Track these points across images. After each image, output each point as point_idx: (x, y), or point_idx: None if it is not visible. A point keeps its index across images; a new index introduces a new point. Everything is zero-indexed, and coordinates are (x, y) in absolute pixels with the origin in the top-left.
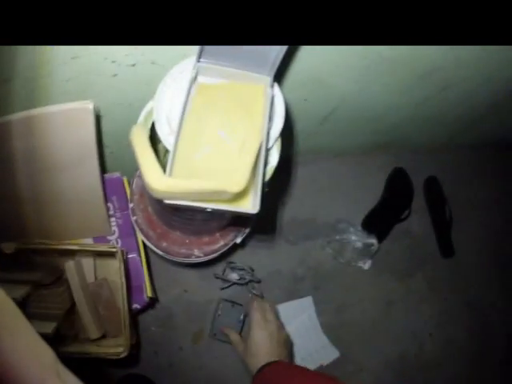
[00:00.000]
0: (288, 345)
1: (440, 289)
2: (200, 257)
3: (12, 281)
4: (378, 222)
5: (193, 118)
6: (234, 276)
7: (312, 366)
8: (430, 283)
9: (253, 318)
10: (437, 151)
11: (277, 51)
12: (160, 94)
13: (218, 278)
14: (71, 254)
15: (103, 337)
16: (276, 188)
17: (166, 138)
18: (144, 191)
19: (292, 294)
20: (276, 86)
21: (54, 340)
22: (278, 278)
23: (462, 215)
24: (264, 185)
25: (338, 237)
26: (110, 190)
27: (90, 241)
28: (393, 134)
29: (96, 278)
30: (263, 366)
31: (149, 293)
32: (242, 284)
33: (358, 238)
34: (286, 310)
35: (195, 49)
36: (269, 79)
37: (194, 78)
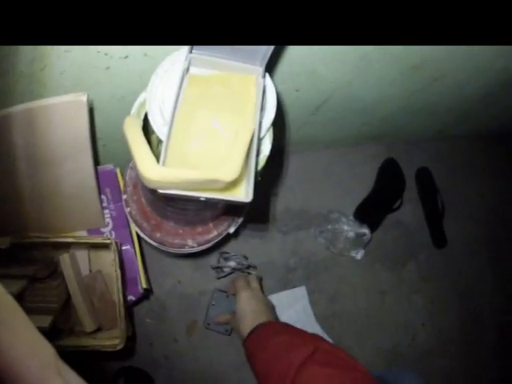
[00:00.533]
0: (271, 306)
1: (432, 279)
2: (194, 247)
3: (7, 275)
4: (370, 212)
5: (185, 108)
6: (231, 264)
7: None
8: (422, 273)
9: (237, 285)
10: (428, 142)
11: None
12: (152, 85)
13: (214, 268)
14: (66, 246)
15: (99, 329)
16: (268, 178)
17: (159, 128)
18: (137, 182)
19: (285, 284)
20: (268, 76)
21: (50, 334)
22: (270, 268)
23: (453, 206)
24: (257, 174)
25: (330, 227)
26: (103, 182)
27: (84, 233)
28: (385, 125)
29: (90, 271)
30: (252, 330)
31: (143, 284)
32: (240, 270)
33: (350, 228)
34: (279, 299)
35: None
36: (261, 70)
37: (186, 69)
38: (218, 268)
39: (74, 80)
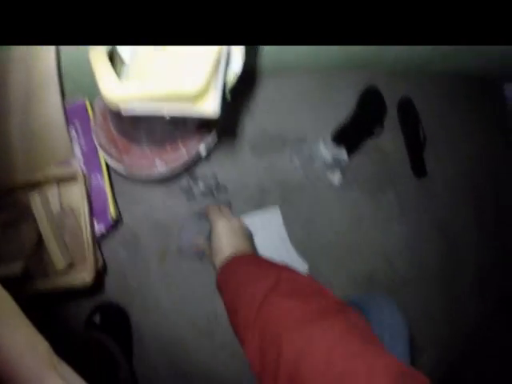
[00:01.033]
0: (249, 237)
1: (411, 209)
2: (163, 169)
3: None
4: (349, 136)
5: None
6: (199, 186)
7: None
8: (400, 202)
9: (211, 215)
10: (412, 76)
11: None
12: None
13: (183, 189)
14: (36, 186)
15: (71, 267)
16: (243, 101)
17: (123, 49)
18: (106, 109)
19: (258, 207)
20: None
21: (23, 279)
22: (244, 190)
23: (434, 139)
24: (225, 91)
25: (306, 149)
26: (72, 115)
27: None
28: (366, 53)
29: (62, 208)
30: (224, 264)
31: (113, 213)
32: (208, 190)
33: (327, 151)
34: (252, 220)
35: None
36: None
37: None
38: (187, 190)
39: None
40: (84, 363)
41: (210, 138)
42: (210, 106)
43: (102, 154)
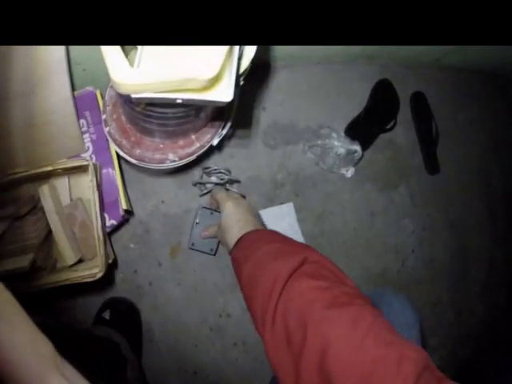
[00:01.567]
0: (257, 215)
1: (423, 205)
2: (175, 161)
3: None
4: (362, 130)
5: None
6: (213, 179)
7: None
8: (413, 198)
9: (219, 197)
10: (425, 69)
11: None
12: None
13: (195, 184)
14: (45, 178)
15: (81, 261)
16: (257, 92)
17: None
18: (117, 100)
19: (272, 200)
20: None
21: (31, 273)
22: (257, 183)
23: (447, 134)
24: (239, 76)
25: (320, 142)
26: (82, 105)
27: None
28: (379, 46)
29: (72, 200)
30: (239, 240)
31: (124, 205)
32: (221, 184)
33: (340, 144)
34: (266, 216)
35: None
36: None
37: None
38: (200, 184)
39: None
40: (92, 358)
41: (224, 131)
42: (225, 93)
43: (112, 145)
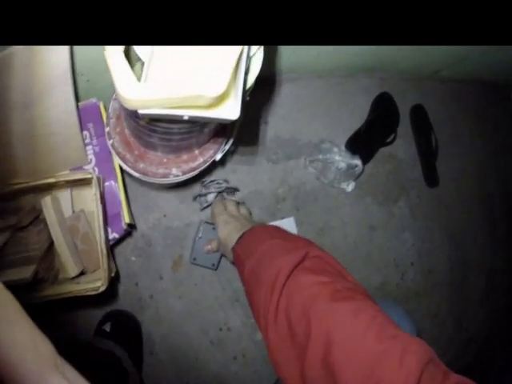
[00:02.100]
0: (250, 216)
1: (423, 217)
2: (178, 176)
3: None
4: (363, 144)
5: None
6: (211, 190)
7: None
8: (412, 211)
9: (213, 213)
10: (424, 81)
11: None
12: None
13: (195, 198)
14: (47, 189)
15: (82, 273)
16: (259, 106)
17: (141, 49)
18: (121, 113)
19: (273, 215)
20: None
21: (33, 284)
22: (258, 197)
23: (446, 146)
24: (245, 92)
25: (321, 156)
26: (86, 117)
27: (67, 173)
28: (379, 58)
29: (74, 212)
30: (239, 238)
31: (126, 219)
32: (219, 192)
33: (341, 159)
34: None
35: None
36: None
37: None
38: (200, 196)
39: None
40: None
41: (227, 146)
42: (232, 110)
43: (115, 158)
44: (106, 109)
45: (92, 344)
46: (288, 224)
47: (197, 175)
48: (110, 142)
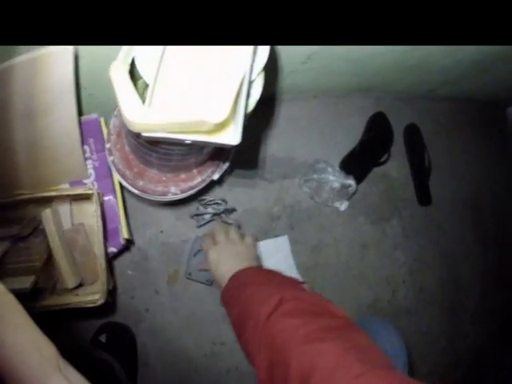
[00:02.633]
0: (252, 251)
1: (415, 236)
2: (177, 194)
3: None
4: (357, 164)
5: (173, 50)
6: (209, 210)
7: None
8: (405, 229)
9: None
10: (419, 100)
11: None
12: None
13: (192, 216)
14: (48, 201)
15: (80, 285)
16: (255, 126)
17: (146, 72)
18: (121, 130)
19: (267, 233)
20: None
21: (32, 295)
22: (253, 216)
23: (440, 165)
24: (245, 117)
25: (315, 176)
26: (86, 132)
27: (66, 186)
28: (376, 78)
29: (73, 225)
30: (225, 285)
31: (125, 234)
32: (217, 214)
33: (335, 179)
34: (261, 248)
35: None
36: None
37: None
38: (197, 216)
39: None
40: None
41: (225, 166)
42: (233, 136)
43: (115, 175)
44: (107, 124)
45: (87, 351)
46: (282, 242)
47: (194, 193)
48: (110, 159)
